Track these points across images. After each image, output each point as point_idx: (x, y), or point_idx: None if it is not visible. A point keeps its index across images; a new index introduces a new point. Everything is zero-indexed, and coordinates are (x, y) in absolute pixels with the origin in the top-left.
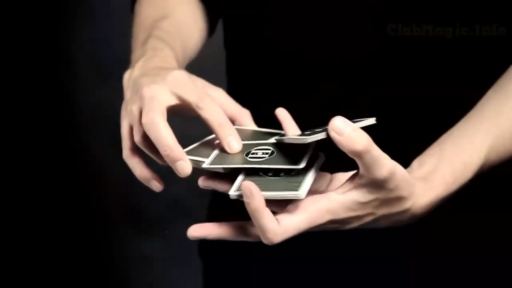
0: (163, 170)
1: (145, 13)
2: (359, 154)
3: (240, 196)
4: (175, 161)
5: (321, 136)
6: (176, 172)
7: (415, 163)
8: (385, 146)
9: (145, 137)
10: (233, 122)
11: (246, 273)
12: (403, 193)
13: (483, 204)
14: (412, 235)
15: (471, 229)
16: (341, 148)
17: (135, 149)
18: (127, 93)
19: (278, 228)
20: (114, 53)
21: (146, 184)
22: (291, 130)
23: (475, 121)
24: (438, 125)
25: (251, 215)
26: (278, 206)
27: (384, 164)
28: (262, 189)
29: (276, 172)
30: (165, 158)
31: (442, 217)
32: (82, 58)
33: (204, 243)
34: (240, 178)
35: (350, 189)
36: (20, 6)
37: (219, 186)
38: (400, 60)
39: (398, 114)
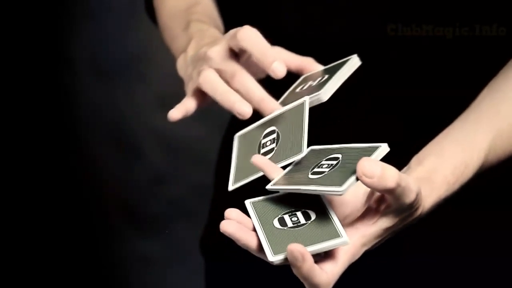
0: (162, 170)
1: (169, 4)
2: (391, 191)
3: (286, 260)
4: (271, 111)
5: (353, 183)
6: None
7: (414, 161)
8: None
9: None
10: (301, 72)
11: (246, 273)
12: (420, 204)
13: (478, 203)
14: (407, 233)
15: (466, 227)
16: (372, 189)
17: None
18: (188, 69)
19: (327, 278)
20: (114, 53)
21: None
22: (275, 174)
23: (473, 120)
24: (438, 125)
25: (301, 277)
26: None
27: (412, 190)
28: (304, 245)
29: (294, 221)
30: (260, 110)
31: (437, 215)
32: (82, 58)
33: (204, 243)
34: (264, 239)
35: (379, 218)
36: (20, 6)
37: (244, 239)
38: (400, 60)
39: (398, 114)
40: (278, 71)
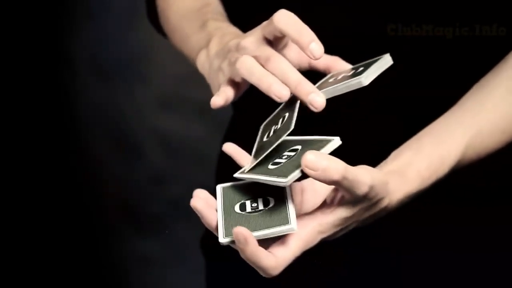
0: (162, 170)
1: (177, 7)
2: (337, 183)
3: (232, 242)
4: (308, 94)
5: (297, 175)
6: (311, 107)
7: (392, 155)
8: (385, 145)
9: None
10: (329, 70)
11: (247, 273)
12: (382, 195)
13: (466, 199)
14: (394, 229)
15: (454, 222)
16: (318, 181)
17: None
18: (214, 63)
19: (276, 262)
20: (114, 53)
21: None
22: (245, 160)
23: (456, 117)
24: None
25: (247, 260)
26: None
27: (363, 182)
28: (251, 230)
29: (254, 207)
30: (296, 93)
31: (426, 211)
32: (82, 58)
33: (204, 243)
34: (221, 220)
35: (336, 208)
36: (20, 6)
37: (206, 217)
38: (400, 60)
39: (398, 114)
40: (316, 52)
